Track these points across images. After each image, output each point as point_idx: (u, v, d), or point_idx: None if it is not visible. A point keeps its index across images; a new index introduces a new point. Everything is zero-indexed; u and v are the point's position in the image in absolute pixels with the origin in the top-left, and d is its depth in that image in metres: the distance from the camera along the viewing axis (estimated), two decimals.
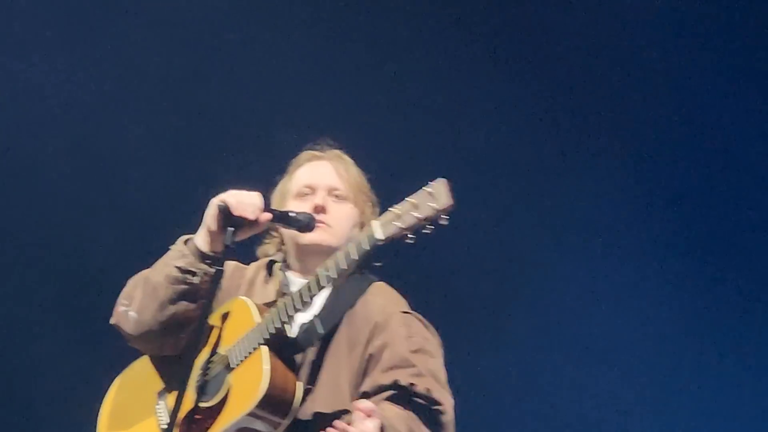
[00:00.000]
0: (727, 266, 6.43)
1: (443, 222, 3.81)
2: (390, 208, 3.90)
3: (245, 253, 4.42)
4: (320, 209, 4.24)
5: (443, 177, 3.83)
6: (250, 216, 4.05)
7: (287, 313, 4.01)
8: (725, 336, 6.39)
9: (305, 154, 4.42)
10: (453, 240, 6.01)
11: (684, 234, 6.46)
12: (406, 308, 4.27)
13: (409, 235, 3.84)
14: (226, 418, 3.99)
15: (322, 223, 4.22)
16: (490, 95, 6.44)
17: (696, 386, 6.38)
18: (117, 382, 4.35)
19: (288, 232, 4.28)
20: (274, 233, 4.40)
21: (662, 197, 6.49)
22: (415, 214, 3.81)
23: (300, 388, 4.01)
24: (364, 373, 4.12)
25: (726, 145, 6.43)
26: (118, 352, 4.33)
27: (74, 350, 6.14)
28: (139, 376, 4.28)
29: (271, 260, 4.37)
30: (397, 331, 4.15)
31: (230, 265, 4.36)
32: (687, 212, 6.47)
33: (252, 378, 3.96)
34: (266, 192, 4.34)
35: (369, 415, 3.84)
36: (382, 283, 4.32)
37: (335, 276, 3.98)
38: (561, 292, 6.45)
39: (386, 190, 4.33)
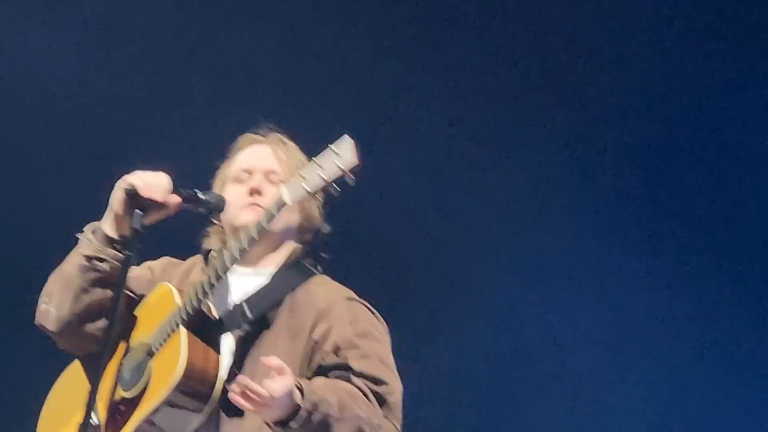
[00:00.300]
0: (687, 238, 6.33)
1: (349, 181, 3.76)
2: (298, 172, 3.86)
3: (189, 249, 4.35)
4: (255, 191, 4.13)
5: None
6: (158, 197, 3.94)
7: (204, 291, 3.90)
8: (683, 312, 6.27)
9: (245, 139, 4.32)
10: (396, 225, 5.94)
11: (637, 207, 6.35)
12: (352, 296, 4.15)
13: (317, 197, 3.81)
14: (146, 406, 3.86)
15: (257, 205, 4.11)
16: (444, 73, 6.36)
17: (658, 376, 6.27)
18: (53, 388, 4.25)
19: (225, 219, 4.17)
20: (216, 222, 4.27)
21: (613, 167, 6.37)
22: (321, 175, 3.77)
23: (223, 367, 3.88)
24: (309, 360, 3.98)
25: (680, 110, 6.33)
26: (56, 357, 4.24)
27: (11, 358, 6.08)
28: (73, 378, 4.17)
29: (208, 250, 4.25)
30: (341, 316, 4.03)
31: (164, 260, 4.29)
32: (639, 184, 6.35)
33: (170, 361, 3.83)
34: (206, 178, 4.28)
35: (279, 374, 3.69)
36: (324, 276, 4.21)
37: (246, 246, 3.89)
38: (509, 277, 6.34)
39: None
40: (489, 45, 6.33)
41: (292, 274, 4.13)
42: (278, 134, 4.32)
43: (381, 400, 3.94)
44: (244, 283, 4.10)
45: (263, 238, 4.04)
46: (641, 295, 6.30)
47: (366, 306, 4.14)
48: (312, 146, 4.18)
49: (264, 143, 4.28)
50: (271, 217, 3.86)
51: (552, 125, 6.32)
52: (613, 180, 6.38)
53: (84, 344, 4.10)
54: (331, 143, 3.85)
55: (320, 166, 3.78)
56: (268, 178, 4.16)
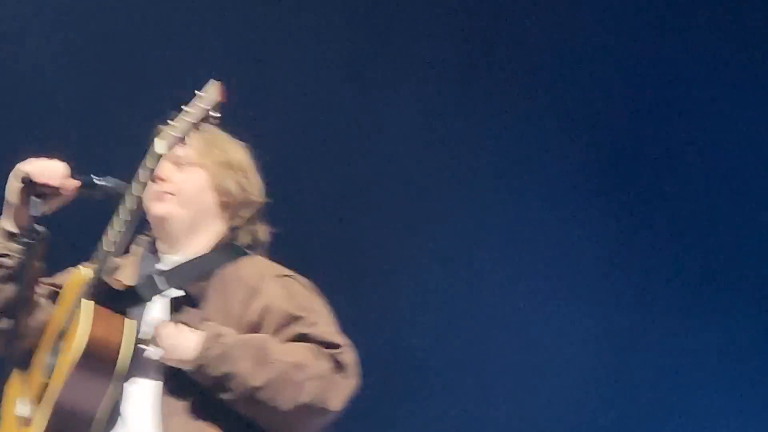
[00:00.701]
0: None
1: (213, 119, 3.74)
2: (169, 122, 3.84)
3: None
4: (158, 179, 4.06)
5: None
6: (54, 182, 3.92)
7: (102, 259, 3.86)
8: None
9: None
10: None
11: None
12: (282, 272, 4.07)
13: (186, 138, 3.80)
14: (54, 388, 3.80)
15: (164, 192, 4.07)
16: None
17: (596, 348, 6.09)
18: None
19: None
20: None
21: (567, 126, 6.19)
22: (188, 119, 3.77)
23: (131, 328, 3.82)
24: None
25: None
26: None
27: None
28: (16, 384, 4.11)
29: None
30: (275, 294, 3.95)
31: None
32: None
33: (73, 337, 3.78)
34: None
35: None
36: (258, 256, 4.14)
37: (135, 206, 3.85)
38: (439, 245, 6.22)
39: None
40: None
41: (220, 253, 4.08)
42: None
43: (337, 363, 3.86)
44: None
45: (177, 221, 4.05)
46: (576, 261, 6.13)
47: (299, 281, 4.06)
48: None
49: None
50: (149, 170, 3.84)
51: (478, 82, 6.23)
52: (544, 139, 6.26)
53: (10, 344, 4.02)
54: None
55: (187, 112, 3.78)
56: (177, 165, 4.12)
